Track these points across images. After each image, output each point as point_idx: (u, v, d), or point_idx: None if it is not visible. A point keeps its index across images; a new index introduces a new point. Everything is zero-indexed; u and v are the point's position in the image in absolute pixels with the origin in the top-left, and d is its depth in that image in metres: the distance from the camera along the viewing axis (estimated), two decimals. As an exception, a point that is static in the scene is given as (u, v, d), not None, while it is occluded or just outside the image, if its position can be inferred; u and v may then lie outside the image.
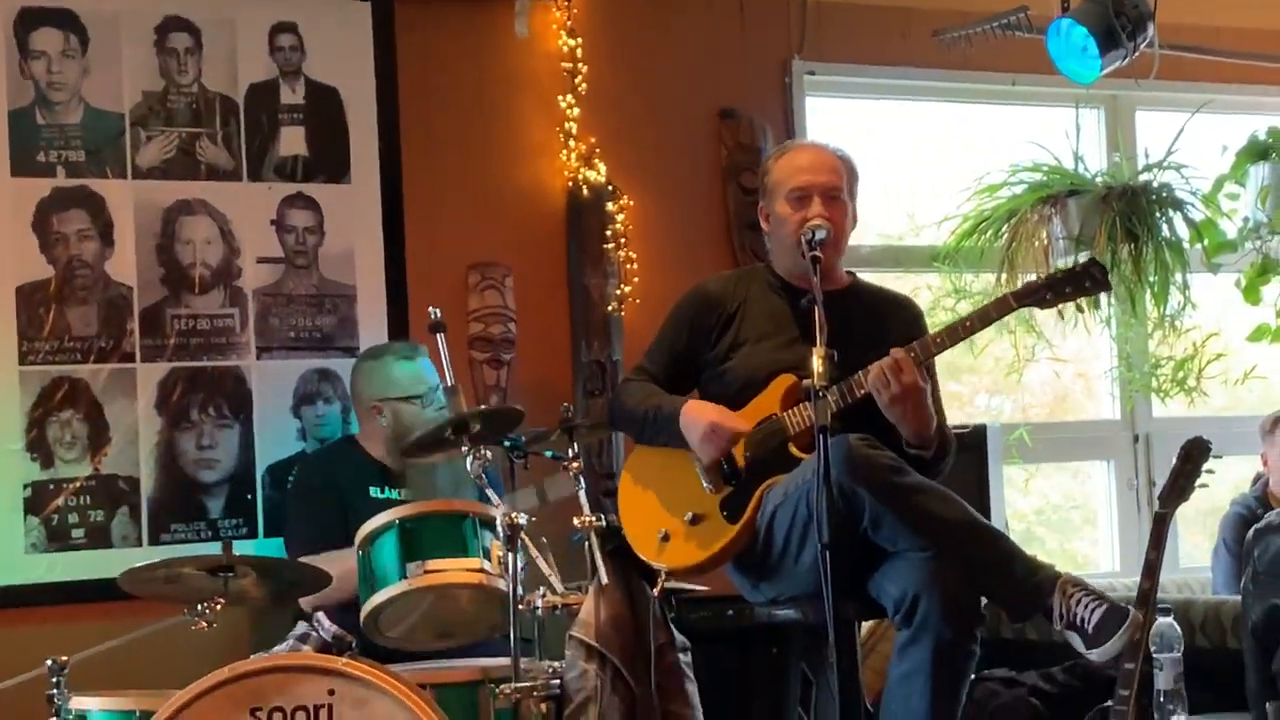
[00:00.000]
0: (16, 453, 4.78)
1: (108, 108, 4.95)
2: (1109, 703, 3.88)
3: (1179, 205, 5.66)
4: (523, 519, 3.67)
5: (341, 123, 5.18)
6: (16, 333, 4.80)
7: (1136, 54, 5.18)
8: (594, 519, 3.74)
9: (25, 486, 4.78)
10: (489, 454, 3.87)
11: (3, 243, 4.81)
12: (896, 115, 6.19)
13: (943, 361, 4.15)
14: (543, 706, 3.61)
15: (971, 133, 6.29)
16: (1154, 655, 3.84)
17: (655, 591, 3.75)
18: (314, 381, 5.08)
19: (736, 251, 5.51)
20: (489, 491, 3.83)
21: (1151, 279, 5.60)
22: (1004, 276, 5.63)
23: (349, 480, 4.58)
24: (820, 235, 3.88)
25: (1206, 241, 5.77)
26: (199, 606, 3.63)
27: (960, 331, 3.88)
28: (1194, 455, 4.06)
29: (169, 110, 5.01)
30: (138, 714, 3.53)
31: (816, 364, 3.43)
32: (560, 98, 5.38)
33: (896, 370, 3.75)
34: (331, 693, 3.34)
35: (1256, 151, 5.91)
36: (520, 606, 3.65)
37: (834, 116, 5.95)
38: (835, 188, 4.04)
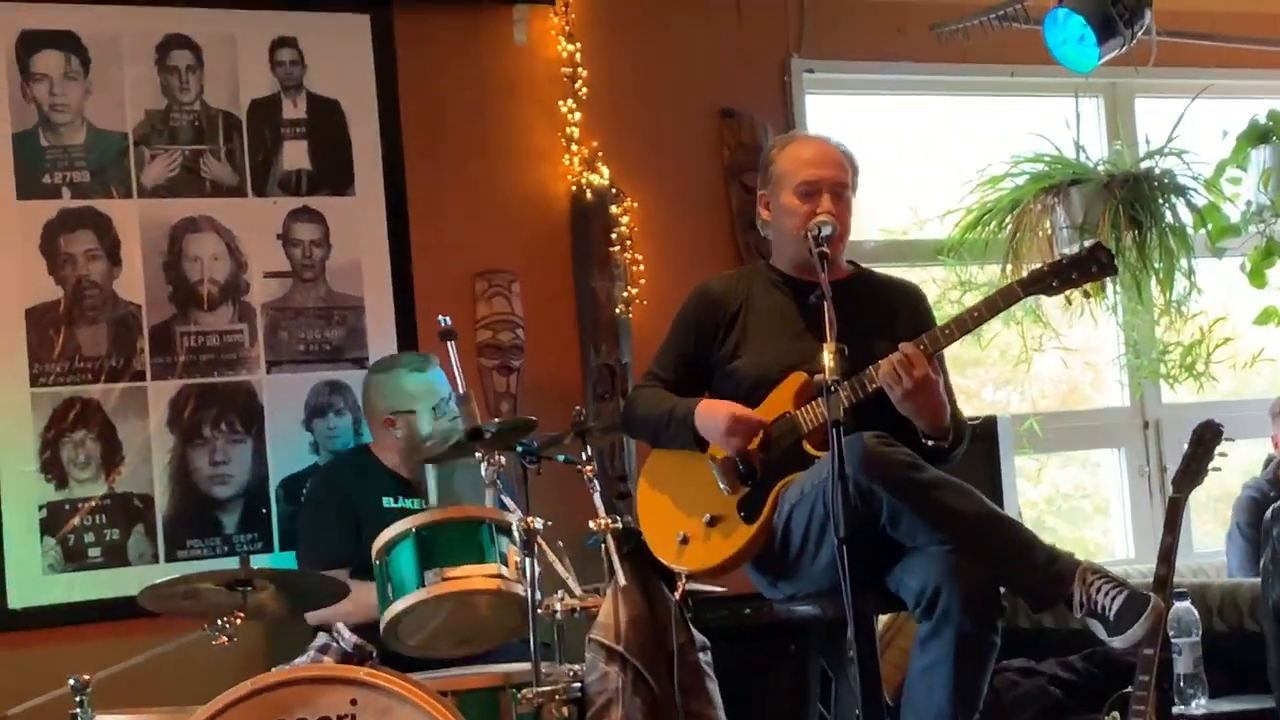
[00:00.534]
0: (31, 474, 4.79)
1: (111, 127, 4.97)
2: (1129, 689, 3.90)
3: (1181, 191, 5.66)
4: (539, 523, 3.68)
5: (344, 135, 5.20)
6: (27, 355, 4.81)
7: (1134, 41, 5.18)
8: (610, 521, 3.75)
9: (41, 508, 4.79)
10: (503, 460, 3.88)
11: (11, 265, 4.83)
12: (897, 110, 6.20)
13: (950, 355, 4.15)
14: (565, 710, 3.62)
15: (972, 125, 6.30)
16: (1172, 640, 3.86)
17: (676, 595, 3.75)
18: (325, 394, 5.10)
19: (741, 250, 5.52)
20: (504, 498, 3.84)
21: (1156, 265, 5.60)
22: (1009, 267, 5.64)
23: (363, 491, 4.60)
24: (827, 232, 3.89)
25: (1210, 226, 5.77)
26: (219, 621, 3.64)
27: (969, 322, 3.88)
28: (1206, 439, 4.08)
29: (172, 128, 5.03)
30: (161, 731, 3.54)
31: (828, 360, 3.43)
32: (561, 103, 5.39)
33: (907, 365, 3.76)
34: (354, 702, 3.35)
35: (1257, 135, 5.92)
36: (539, 611, 3.66)
37: (834, 113, 5.96)
38: (843, 184, 4.06)
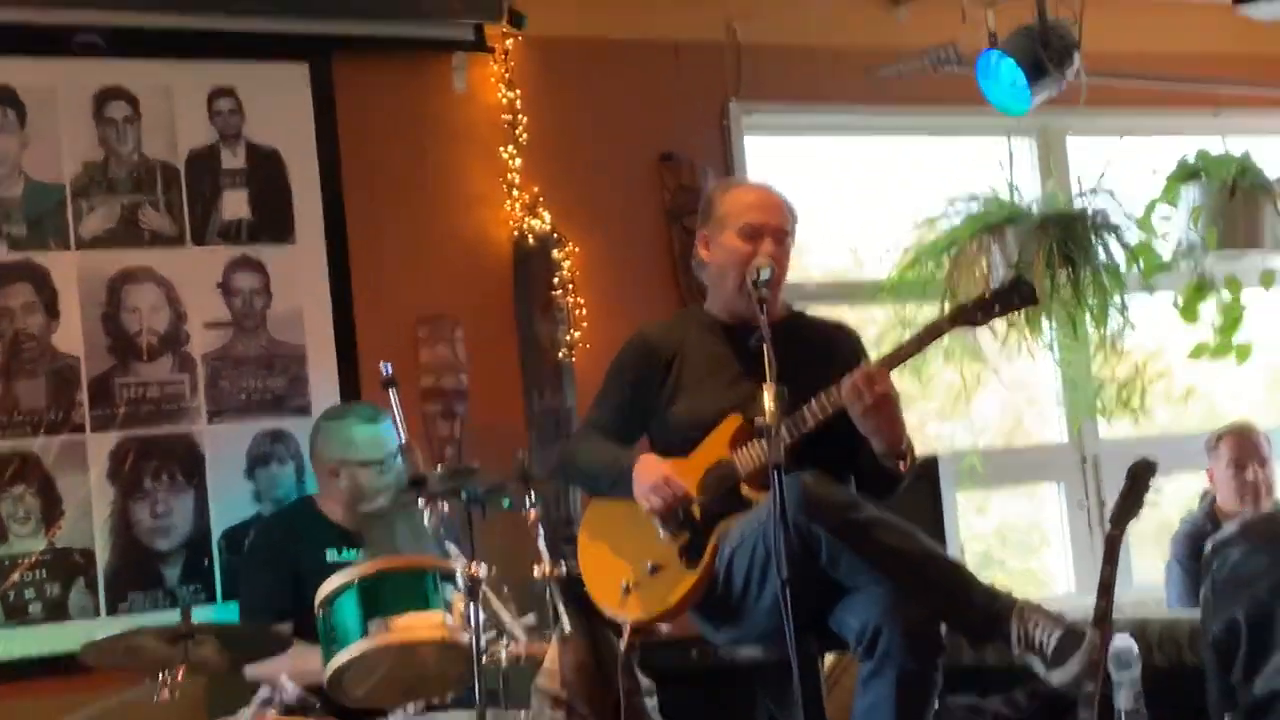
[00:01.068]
0: (-31, 531, 4.76)
1: (48, 179, 4.95)
2: (1071, 724, 3.93)
3: (1114, 229, 5.72)
4: (483, 571, 3.68)
5: (284, 184, 5.20)
6: (-35, 409, 4.79)
7: (1065, 83, 5.25)
8: (555, 568, 3.75)
9: (-20, 564, 4.76)
10: (446, 508, 3.88)
11: (-52, 320, 4.80)
12: (835, 152, 6.26)
13: (891, 393, 4.17)
14: (512, 758, 3.62)
15: (908, 166, 6.36)
16: (1113, 675, 3.89)
17: (622, 645, 3.75)
18: (267, 443, 5.08)
19: (684, 293, 5.54)
20: (448, 545, 3.84)
21: (1091, 302, 5.65)
22: (947, 306, 5.68)
23: (305, 543, 4.58)
24: (765, 275, 3.91)
25: (1142, 263, 5.83)
26: (160, 675, 3.62)
27: (896, 358, 3.92)
28: (1141, 475, 4.12)
29: (110, 179, 5.02)
30: (103, 787, 3.52)
31: (768, 402, 3.45)
32: (501, 149, 5.41)
33: (869, 381, 3.78)
34: (299, 756, 3.34)
35: (1186, 173, 6.00)
36: (484, 659, 3.66)
37: (773, 155, 6.00)
38: (785, 230, 4.09)
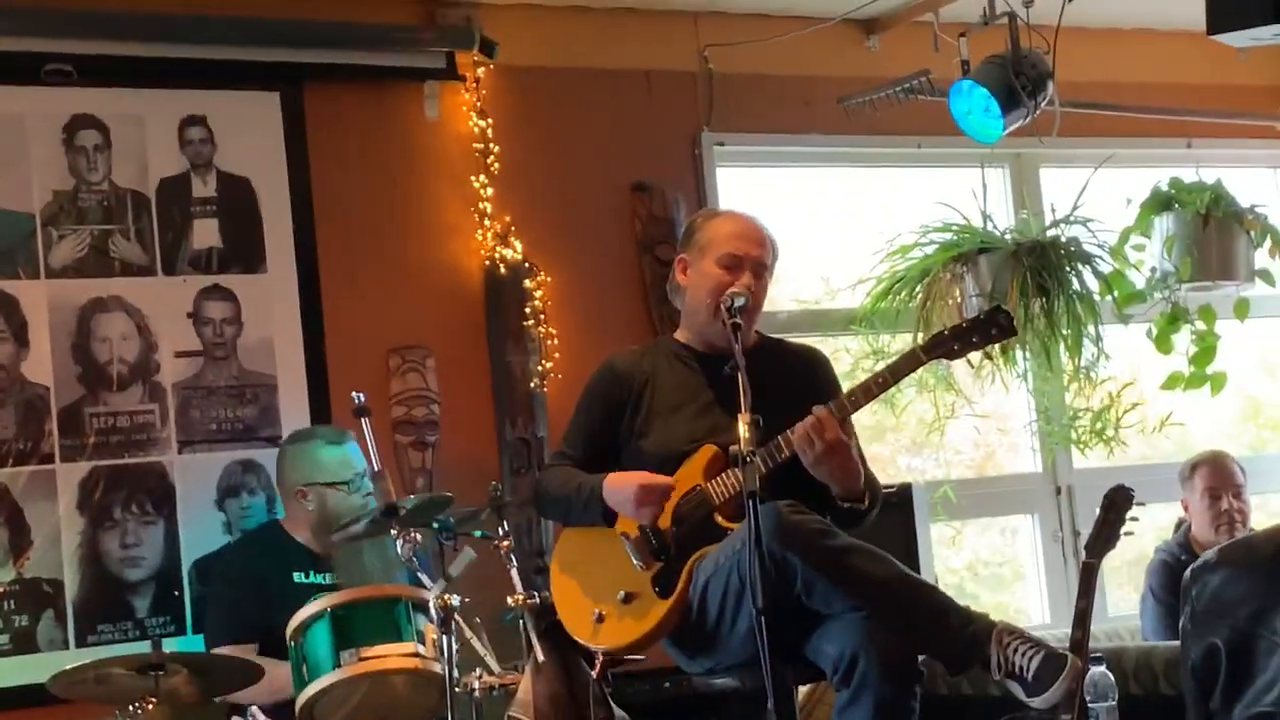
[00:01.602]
0: (-63, 561, 4.72)
1: (18, 208, 4.92)
2: (1048, 754, 3.91)
3: (1087, 258, 5.74)
4: (455, 600, 3.66)
5: (255, 213, 5.18)
6: (-67, 439, 4.75)
7: (1038, 112, 5.26)
8: (527, 597, 3.73)
9: (-53, 595, 4.72)
10: (419, 537, 3.86)
11: (-84, 348, 4.77)
12: (807, 182, 6.26)
13: (864, 423, 4.17)
14: (484, 789, 3.59)
15: (881, 196, 6.37)
16: (1090, 705, 3.87)
17: (594, 674, 3.73)
18: (238, 474, 5.05)
19: (655, 323, 5.53)
20: (420, 575, 3.81)
21: (1064, 332, 5.67)
22: (920, 336, 5.68)
23: (273, 566, 4.55)
24: (740, 303, 3.91)
25: (1116, 293, 5.86)
26: (130, 707, 3.59)
27: (874, 388, 3.91)
28: (1117, 504, 4.12)
29: (80, 208, 4.99)
30: (71, 820, 3.48)
31: (743, 430, 3.44)
32: (473, 178, 5.40)
33: (819, 429, 3.78)
34: (270, 788, 3.30)
35: (1160, 203, 6.02)
36: (457, 689, 3.64)
37: (745, 185, 6.01)
38: (764, 264, 4.09)
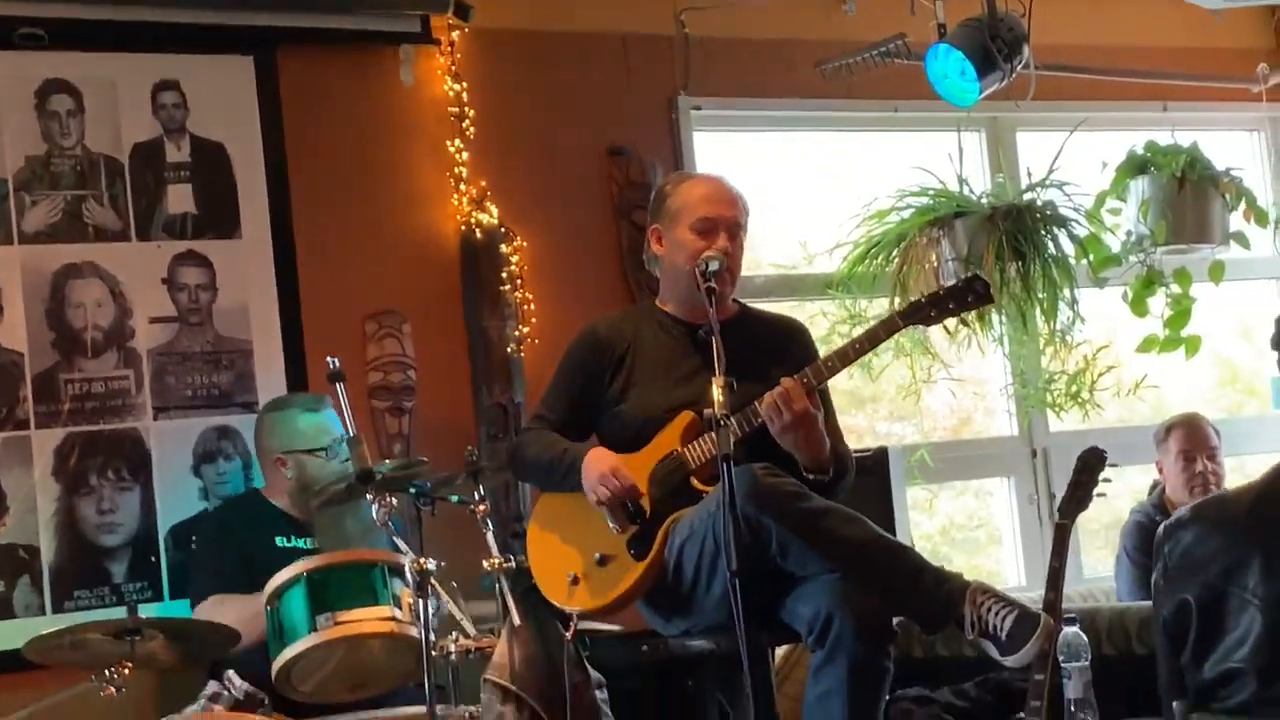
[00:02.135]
0: (-87, 528, 4.71)
1: (-10, 173, 4.91)
2: (1021, 714, 3.94)
3: (1063, 222, 5.75)
4: (431, 565, 3.67)
5: (229, 178, 5.16)
6: (-93, 407, 4.73)
7: (1014, 76, 5.26)
8: (503, 561, 3.74)
9: (-77, 561, 4.70)
10: (395, 501, 3.86)
11: (-111, 315, 4.75)
12: (784, 146, 6.25)
13: (842, 388, 4.18)
14: (461, 752, 3.60)
15: (858, 160, 6.37)
16: (1062, 665, 3.90)
17: (569, 635, 3.74)
18: (214, 439, 5.04)
19: (632, 288, 5.53)
20: (396, 539, 3.82)
21: (1040, 295, 5.68)
22: (897, 300, 5.69)
23: (255, 532, 4.54)
24: (714, 267, 3.92)
25: (1092, 257, 5.86)
26: (106, 672, 3.59)
27: (850, 354, 3.92)
28: (1090, 465, 4.14)
29: (53, 173, 4.97)
30: (47, 785, 3.48)
31: (716, 393, 3.45)
32: (449, 143, 5.39)
33: (787, 399, 3.79)
34: (246, 750, 3.31)
35: (1135, 166, 6.03)
36: (434, 653, 3.64)
37: (722, 150, 6.00)
38: (738, 224, 4.09)
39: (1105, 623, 4.74)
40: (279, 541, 4.52)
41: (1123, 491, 5.98)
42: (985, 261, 5.59)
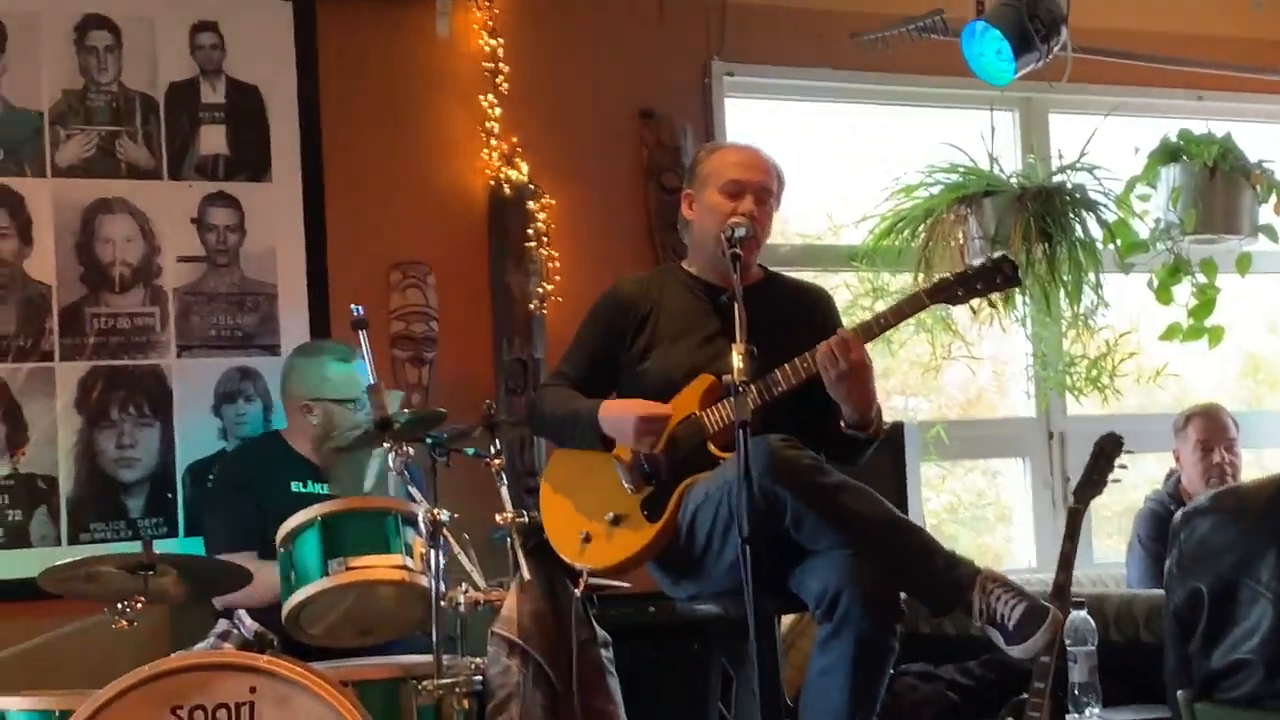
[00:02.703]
0: (-67, 453, 4.75)
1: (27, 105, 4.92)
2: (1024, 695, 3.95)
3: (1092, 206, 5.73)
4: (445, 516, 3.69)
5: (263, 121, 5.17)
6: (-68, 332, 4.77)
7: (1050, 57, 5.25)
8: (516, 515, 3.76)
9: (-58, 487, 4.74)
10: (410, 451, 3.88)
11: (-81, 241, 4.78)
12: (815, 116, 6.24)
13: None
14: (465, 703, 3.62)
15: (889, 133, 6.35)
16: (1068, 649, 3.91)
17: (577, 591, 3.77)
18: (235, 380, 5.07)
19: (658, 250, 5.53)
20: (411, 488, 3.84)
21: (1065, 278, 5.67)
22: (921, 276, 5.69)
23: (272, 475, 4.56)
24: (740, 233, 3.92)
25: (1119, 242, 5.85)
26: (119, 605, 3.62)
27: (874, 328, 3.93)
28: (1107, 450, 4.15)
29: (88, 108, 4.99)
30: (57, 714, 3.50)
31: (736, 360, 3.46)
32: (482, 97, 5.39)
33: (845, 348, 3.80)
34: (253, 690, 3.34)
35: (1168, 153, 6.00)
36: (443, 603, 3.67)
37: (754, 117, 5.99)
38: (768, 189, 4.10)
39: (1113, 609, 4.75)
40: (295, 487, 4.54)
41: (1138, 479, 5.99)
42: (1012, 241, 5.58)
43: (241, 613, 3.61)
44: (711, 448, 3.93)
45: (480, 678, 3.68)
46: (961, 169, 5.77)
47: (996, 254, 4.96)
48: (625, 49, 5.66)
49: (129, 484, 4.93)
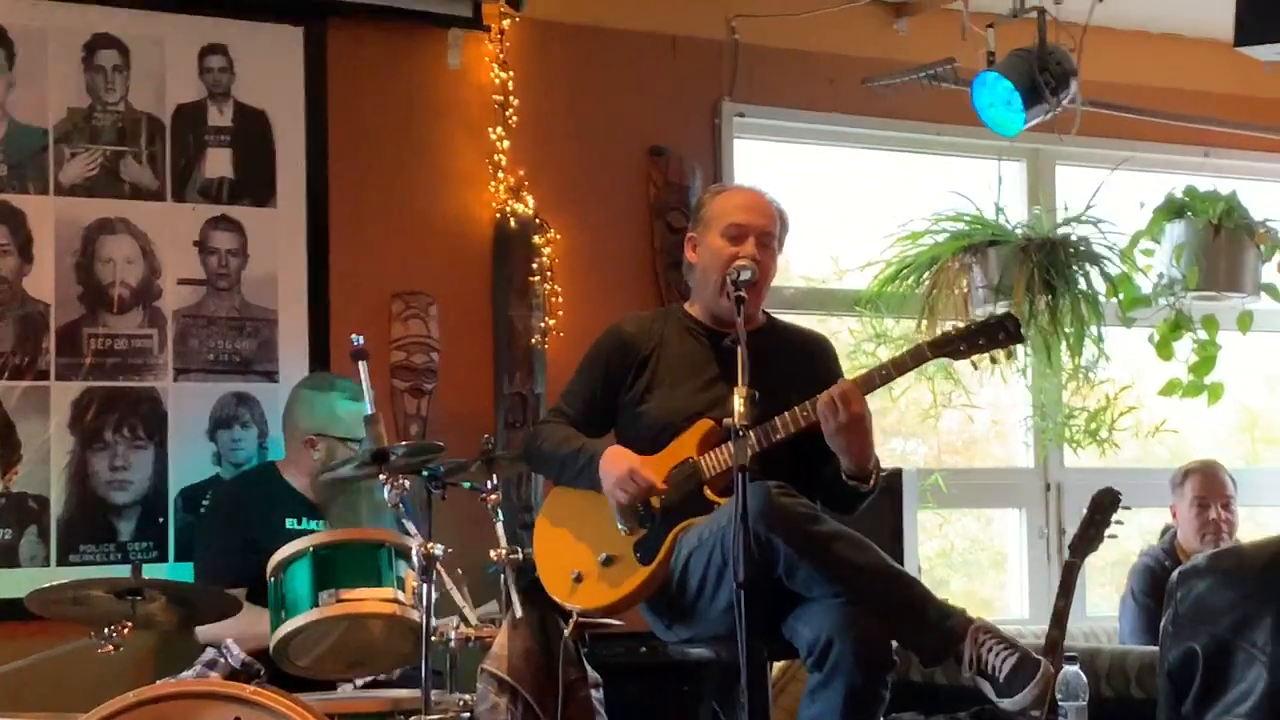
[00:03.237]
0: (-75, 469, 4.73)
1: (32, 123, 4.91)
2: (1015, 749, 3.92)
3: (1096, 259, 5.74)
4: (438, 550, 3.67)
5: (269, 146, 5.16)
6: (-71, 348, 4.75)
7: (1059, 109, 5.26)
8: (510, 552, 3.74)
9: (-67, 503, 4.72)
10: (406, 484, 3.86)
11: (-81, 256, 4.77)
12: (823, 160, 6.24)
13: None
14: (452, 739, 3.60)
15: (896, 180, 6.35)
16: (1060, 703, 3.89)
17: (568, 630, 3.74)
18: (231, 405, 5.05)
19: (662, 289, 5.53)
20: (405, 521, 3.82)
21: (1067, 330, 5.67)
22: (924, 323, 5.69)
23: (265, 510, 4.54)
24: (745, 276, 3.91)
25: (1122, 296, 5.85)
26: (106, 629, 3.60)
27: (876, 380, 3.92)
28: (1104, 505, 4.13)
29: (94, 128, 4.98)
30: (41, 737, 3.49)
31: (738, 404, 3.44)
32: (490, 129, 5.39)
33: (846, 400, 3.78)
34: (238, 720, 3.31)
35: (1173, 209, 6.01)
36: (433, 638, 3.64)
37: (762, 158, 5.99)
38: (770, 233, 4.08)
39: (1105, 664, 4.72)
40: (289, 524, 4.51)
41: (1135, 533, 5.97)
42: (1015, 292, 5.58)
43: (230, 642, 3.58)
44: (708, 492, 3.90)
45: (468, 714, 3.65)
46: (967, 218, 5.78)
47: (1000, 310, 4.97)
48: (636, 86, 5.67)
49: (120, 507, 4.90)
